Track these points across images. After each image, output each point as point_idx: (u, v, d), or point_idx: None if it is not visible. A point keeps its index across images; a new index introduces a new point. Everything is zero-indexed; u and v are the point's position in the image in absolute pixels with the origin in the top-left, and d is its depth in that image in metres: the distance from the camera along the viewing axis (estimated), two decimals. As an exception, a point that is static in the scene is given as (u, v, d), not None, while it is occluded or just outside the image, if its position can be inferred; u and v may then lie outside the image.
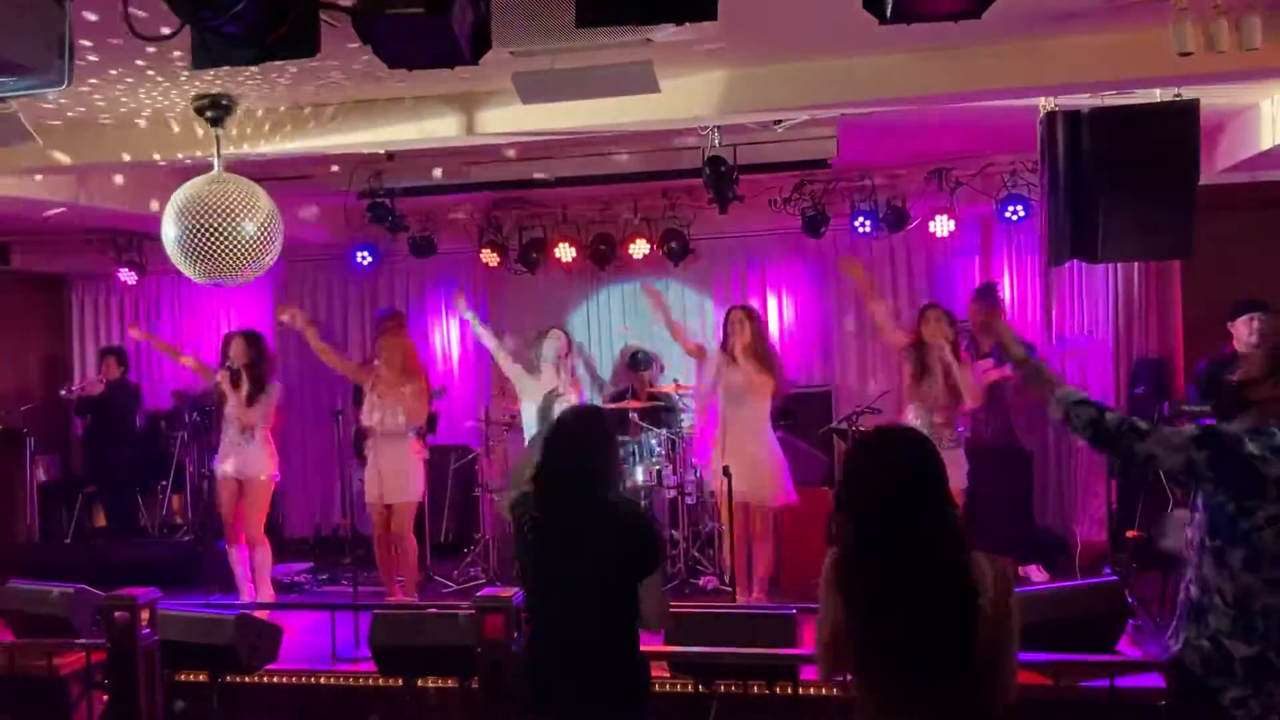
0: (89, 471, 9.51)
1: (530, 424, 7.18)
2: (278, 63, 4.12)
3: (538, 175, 7.10)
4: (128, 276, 9.28)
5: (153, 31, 2.58)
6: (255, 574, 7.26)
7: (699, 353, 7.16)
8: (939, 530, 2.66)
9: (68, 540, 9.27)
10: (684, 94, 5.06)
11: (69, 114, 5.42)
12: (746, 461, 6.50)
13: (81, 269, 10.04)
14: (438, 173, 7.37)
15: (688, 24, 3.78)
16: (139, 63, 4.56)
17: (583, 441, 3.49)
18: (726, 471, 6.30)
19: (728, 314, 6.94)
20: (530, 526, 3.44)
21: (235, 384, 7.21)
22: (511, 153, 6.78)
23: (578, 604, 3.37)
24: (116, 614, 4.61)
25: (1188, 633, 3.18)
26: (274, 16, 2.44)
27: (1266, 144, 6.11)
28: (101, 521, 9.54)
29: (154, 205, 7.14)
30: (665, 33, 4.22)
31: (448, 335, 9.81)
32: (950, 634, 2.62)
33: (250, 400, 7.17)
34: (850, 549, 2.74)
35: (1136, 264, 8.02)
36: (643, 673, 3.50)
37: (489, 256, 8.94)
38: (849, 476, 2.84)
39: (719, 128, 6.01)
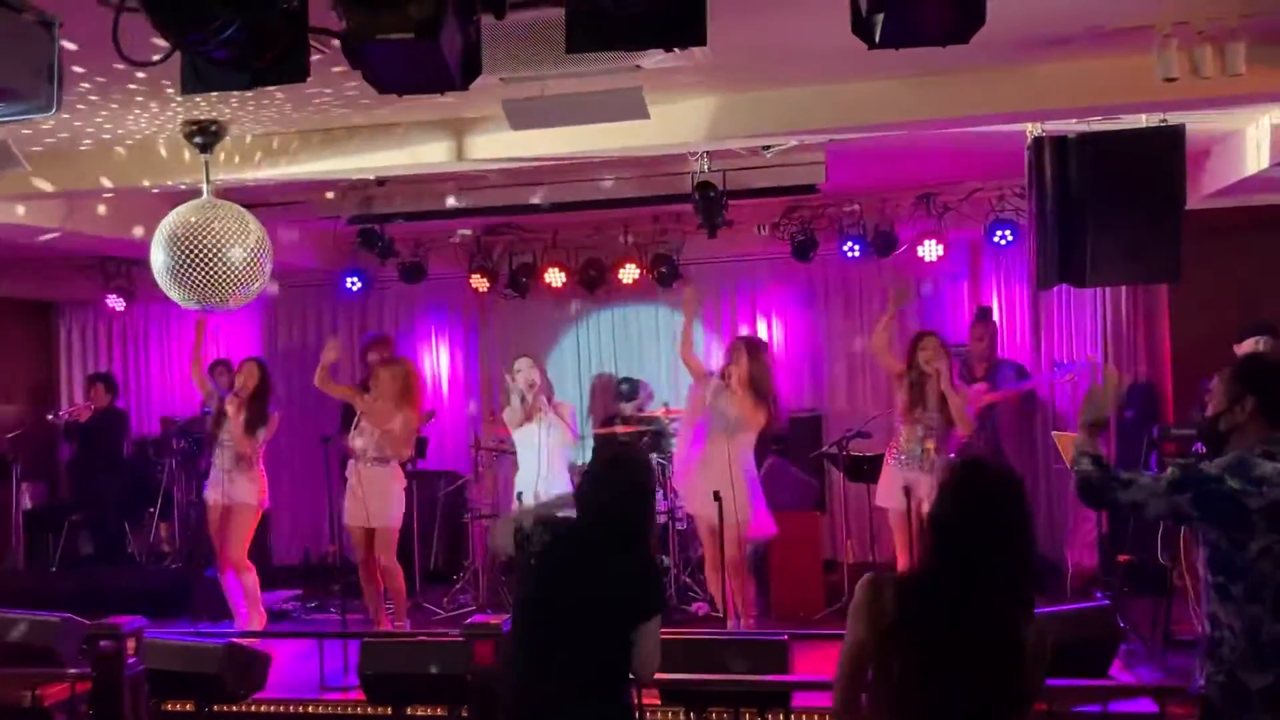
0: (76, 498, 9.44)
1: (521, 449, 7.10)
2: (266, 89, 4.19)
3: (529, 200, 7.10)
4: (116, 303, 9.25)
5: (141, 56, 2.57)
6: (246, 600, 7.21)
7: (702, 375, 7.06)
8: (1008, 589, 2.58)
9: (54, 568, 9.19)
10: (673, 120, 5.08)
11: (53, 140, 5.43)
12: (726, 491, 6.47)
13: (70, 296, 10.01)
14: (427, 199, 7.37)
15: (676, 50, 3.82)
16: (130, 87, 4.57)
17: (624, 486, 3.45)
18: (717, 496, 6.27)
19: (731, 342, 6.88)
20: (536, 555, 3.39)
21: (238, 411, 7.17)
22: (502, 179, 6.79)
23: (566, 637, 3.30)
24: (102, 643, 4.55)
25: (1207, 669, 3.18)
26: (263, 42, 2.45)
27: (1251, 169, 6.17)
28: (88, 549, 9.46)
29: (138, 231, 7.14)
30: (655, 59, 4.24)
31: (437, 360, 9.79)
32: (989, 689, 2.54)
33: (250, 428, 7.14)
34: (911, 583, 2.63)
35: (1124, 288, 8.06)
36: (626, 713, 3.43)
37: (478, 282, 8.93)
38: (937, 512, 2.71)
39: (708, 153, 6.03)
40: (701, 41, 2.52)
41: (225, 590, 7.22)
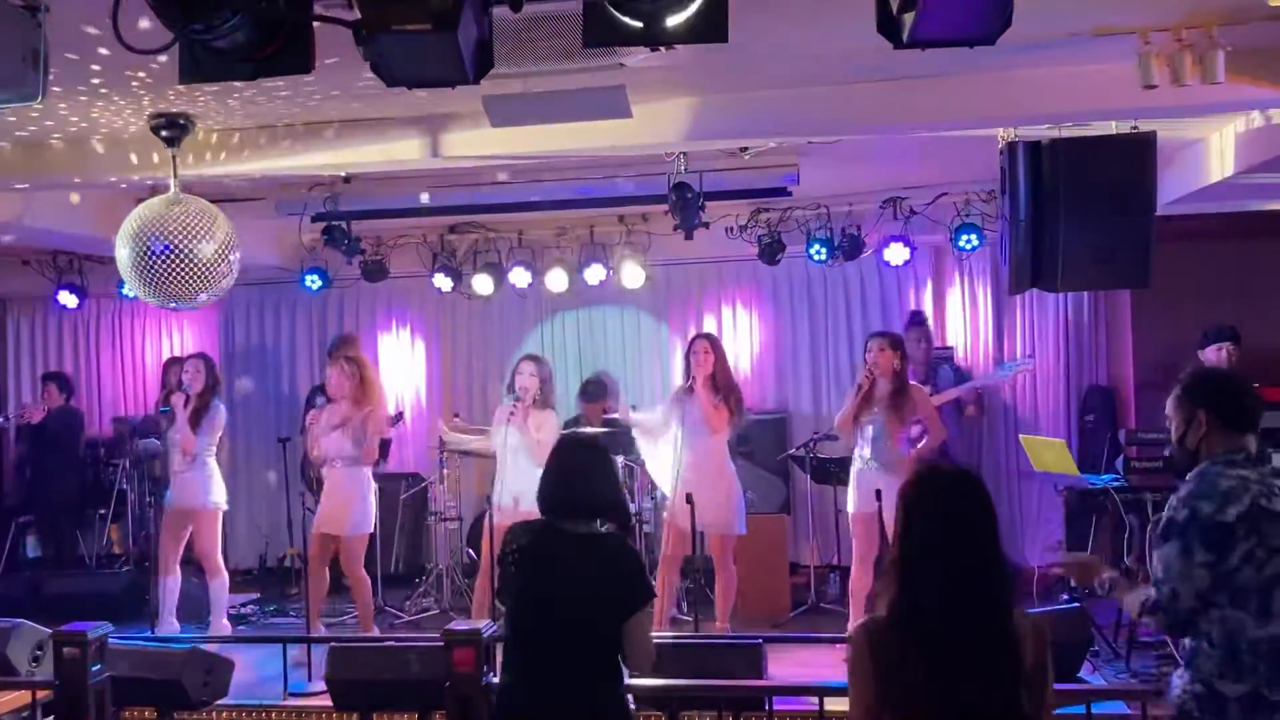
0: (26, 500, 9.18)
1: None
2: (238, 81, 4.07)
3: (498, 199, 7.04)
4: (68, 299, 9.01)
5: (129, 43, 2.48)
6: (212, 605, 7.08)
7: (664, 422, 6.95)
8: (992, 588, 2.55)
9: (-2, 572, 8.96)
10: (653, 119, 5.04)
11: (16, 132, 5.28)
12: (707, 493, 6.46)
13: (18, 291, 9.74)
14: (391, 197, 7.26)
15: (662, 49, 3.78)
16: (94, 80, 4.45)
17: (582, 470, 3.48)
18: (690, 499, 6.25)
19: (691, 343, 6.85)
20: (514, 559, 3.39)
21: (184, 408, 7.02)
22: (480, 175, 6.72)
23: (556, 635, 3.32)
24: (66, 650, 4.40)
25: (1185, 678, 3.22)
26: (267, 32, 2.38)
27: (1215, 177, 6.25)
28: (36, 552, 9.22)
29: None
30: (639, 57, 4.20)
31: (399, 361, 9.66)
32: (998, 705, 2.52)
33: (194, 425, 6.99)
34: (896, 609, 2.59)
35: (1086, 292, 8.16)
36: (620, 706, 3.43)
37: (442, 281, 8.82)
38: (906, 524, 2.67)
39: (685, 154, 6.01)
40: (723, 38, 2.49)
41: (162, 593, 7.04)
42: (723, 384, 6.64)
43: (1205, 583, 3.06)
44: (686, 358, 6.78)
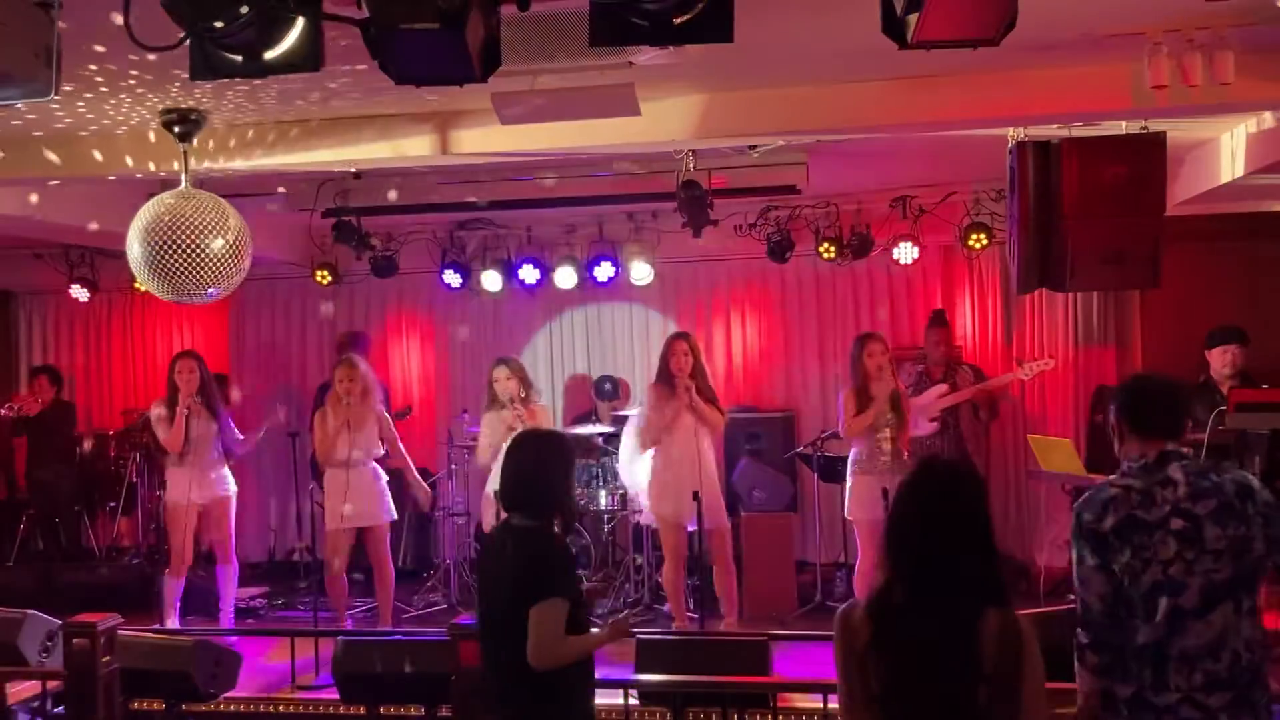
0: (29, 492, 9.24)
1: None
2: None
3: (508, 197, 7.06)
4: (80, 293, 9.06)
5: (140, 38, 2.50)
6: (222, 595, 7.14)
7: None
8: (964, 585, 2.58)
9: (10, 563, 9.00)
10: (662, 117, 5.04)
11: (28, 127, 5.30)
12: (710, 492, 6.53)
13: (30, 285, 9.80)
14: (394, 194, 7.28)
15: (670, 48, 3.80)
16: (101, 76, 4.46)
17: (525, 464, 3.53)
18: (696, 496, 6.27)
19: (671, 344, 6.76)
20: (479, 558, 3.52)
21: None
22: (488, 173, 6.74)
23: (493, 627, 3.42)
24: (75, 640, 4.45)
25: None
26: (277, 30, 2.39)
27: (1226, 178, 6.24)
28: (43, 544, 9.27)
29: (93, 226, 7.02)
30: (647, 56, 4.21)
31: (408, 356, 9.69)
32: (948, 703, 2.55)
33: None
34: (871, 597, 2.64)
35: (1096, 292, 8.15)
36: (559, 704, 3.40)
37: (451, 277, 8.84)
38: (891, 515, 2.73)
39: (694, 152, 6.02)
40: (728, 38, 2.51)
41: (171, 591, 7.08)
42: (704, 383, 6.64)
43: (1103, 585, 3.11)
44: (666, 360, 6.69)
